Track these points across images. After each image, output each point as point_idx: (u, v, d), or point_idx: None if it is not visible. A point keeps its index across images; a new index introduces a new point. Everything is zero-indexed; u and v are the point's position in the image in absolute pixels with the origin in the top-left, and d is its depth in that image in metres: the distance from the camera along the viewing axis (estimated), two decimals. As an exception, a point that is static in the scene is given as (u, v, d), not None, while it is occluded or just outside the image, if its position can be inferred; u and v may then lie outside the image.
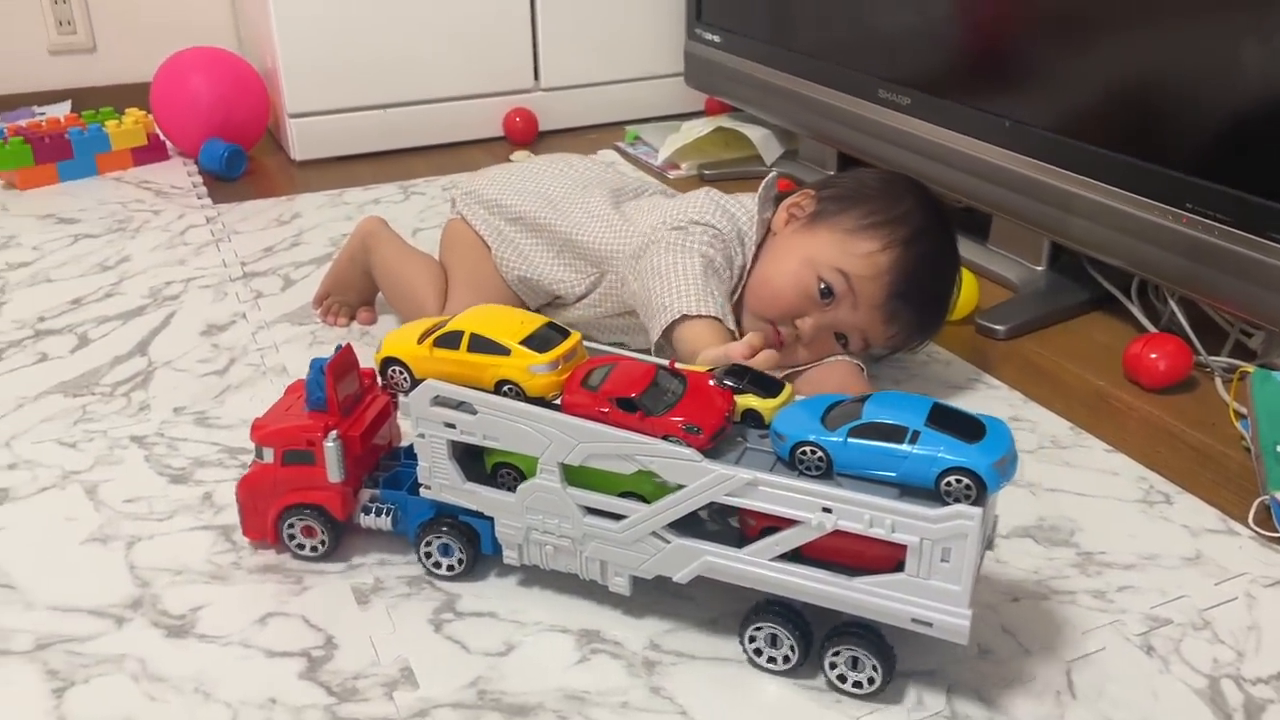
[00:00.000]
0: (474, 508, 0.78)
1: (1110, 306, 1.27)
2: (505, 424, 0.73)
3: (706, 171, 1.75)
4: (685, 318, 0.94)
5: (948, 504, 0.64)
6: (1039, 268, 1.33)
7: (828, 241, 1.00)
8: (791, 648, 0.70)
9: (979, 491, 0.63)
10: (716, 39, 1.84)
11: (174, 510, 0.89)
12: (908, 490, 0.65)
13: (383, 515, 0.81)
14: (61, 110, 1.98)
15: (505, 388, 0.74)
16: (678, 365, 0.76)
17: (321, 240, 1.49)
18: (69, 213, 1.60)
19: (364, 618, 0.77)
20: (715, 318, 0.94)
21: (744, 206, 1.08)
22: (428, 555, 0.80)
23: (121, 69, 2.11)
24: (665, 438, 0.69)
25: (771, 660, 0.71)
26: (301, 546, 0.83)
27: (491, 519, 0.78)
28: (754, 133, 1.79)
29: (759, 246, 1.06)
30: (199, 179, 1.76)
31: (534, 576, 0.80)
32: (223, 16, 2.16)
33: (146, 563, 0.83)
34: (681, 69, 1.99)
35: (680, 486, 0.70)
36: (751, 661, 0.72)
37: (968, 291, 1.22)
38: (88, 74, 2.12)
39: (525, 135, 1.94)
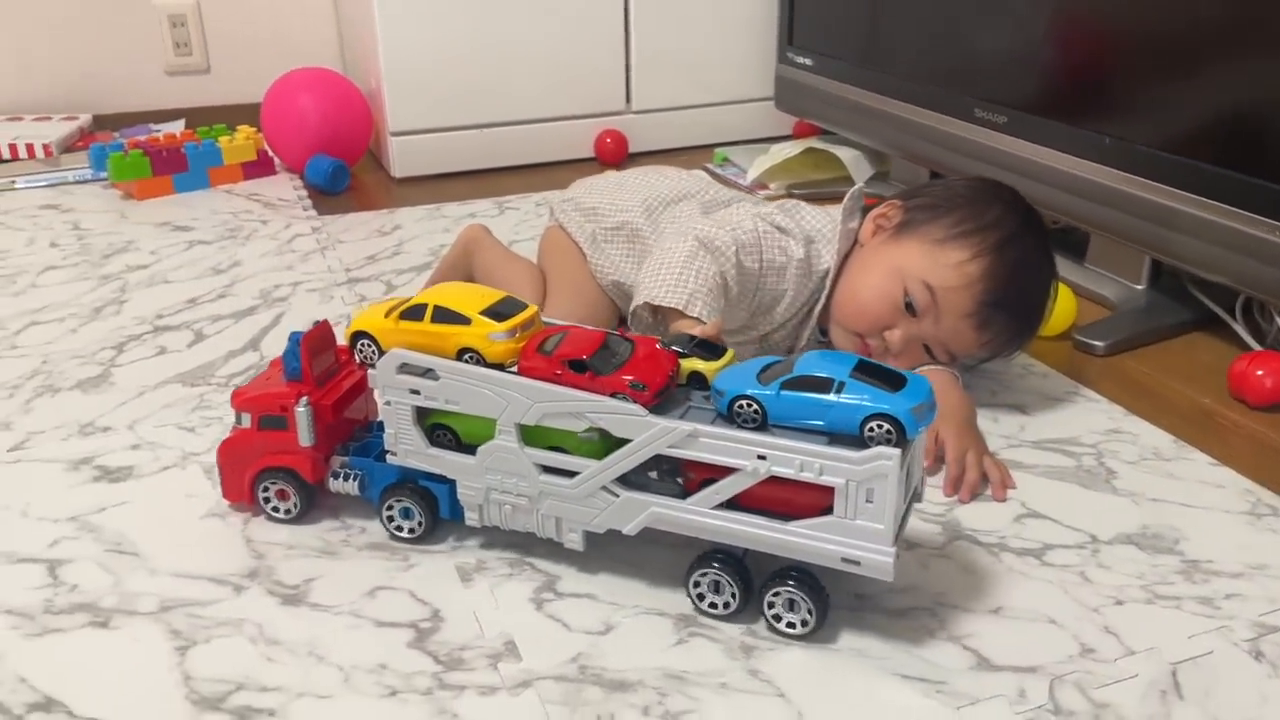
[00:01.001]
0: (438, 471, 0.82)
1: (1213, 326, 1.25)
2: (466, 388, 0.78)
3: (795, 191, 1.76)
4: (648, 305, 0.98)
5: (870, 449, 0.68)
6: (1139, 286, 1.31)
7: (916, 252, 1.00)
8: (733, 594, 0.75)
9: (899, 435, 0.68)
10: (808, 62, 1.86)
11: (286, 491, 0.93)
12: (836, 438, 0.70)
13: (350, 480, 0.86)
14: (176, 128, 2.07)
15: (466, 355, 0.79)
16: (627, 332, 0.81)
17: (421, 250, 1.54)
18: (183, 221, 1.68)
19: (468, 594, 0.80)
20: (676, 309, 0.96)
21: (826, 213, 1.09)
22: (390, 519, 0.85)
23: (233, 89, 2.21)
24: (613, 395, 0.74)
25: (713, 605, 0.76)
26: (276, 509, 0.88)
27: (449, 485, 0.82)
28: (844, 154, 1.80)
29: (845, 257, 1.06)
30: (304, 193, 1.83)
31: (631, 566, 0.81)
32: (329, 40, 2.25)
33: (262, 538, 0.87)
34: (770, 93, 2.01)
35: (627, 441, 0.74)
36: (696, 608, 0.77)
37: (1065, 307, 1.22)
38: (201, 94, 2.22)
39: (615, 156, 1.98)
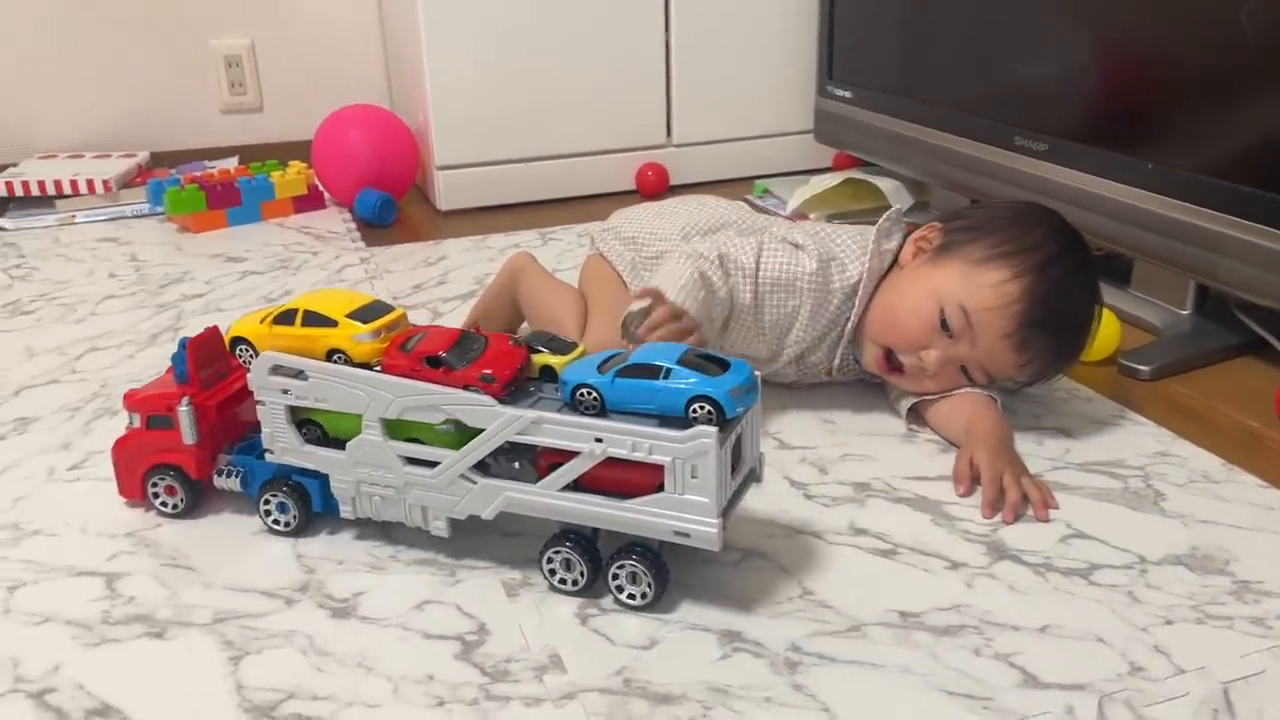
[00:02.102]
0: (312, 467, 0.88)
1: (1260, 351, 1.23)
2: (333, 386, 0.84)
3: (835, 221, 1.77)
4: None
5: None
6: (1184, 311, 1.30)
7: (954, 273, 1.00)
8: (581, 572, 0.81)
9: (719, 415, 0.74)
10: (847, 95, 1.88)
11: (335, 508, 0.95)
12: (667, 422, 0.75)
13: (233, 476, 0.92)
14: (230, 164, 2.13)
15: (335, 356, 0.85)
16: (480, 329, 0.88)
17: (466, 279, 1.56)
18: (237, 253, 1.72)
19: (513, 609, 0.81)
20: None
21: (859, 232, 1.08)
22: (267, 513, 0.91)
23: (285, 127, 2.27)
24: (466, 387, 0.80)
25: (563, 582, 0.81)
26: (165, 504, 0.93)
27: (323, 479, 0.88)
28: (884, 184, 1.81)
29: (882, 278, 1.06)
30: (353, 225, 1.87)
31: (675, 583, 0.82)
32: (378, 78, 2.31)
33: (311, 553, 0.88)
34: (809, 127, 2.03)
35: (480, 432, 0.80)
36: (549, 585, 0.82)
37: (1109, 332, 1.21)
38: (254, 132, 2.28)
39: (657, 188, 2.01)
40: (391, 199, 1.87)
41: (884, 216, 1.09)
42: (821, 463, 1.01)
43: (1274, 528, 0.89)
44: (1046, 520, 0.90)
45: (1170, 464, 0.99)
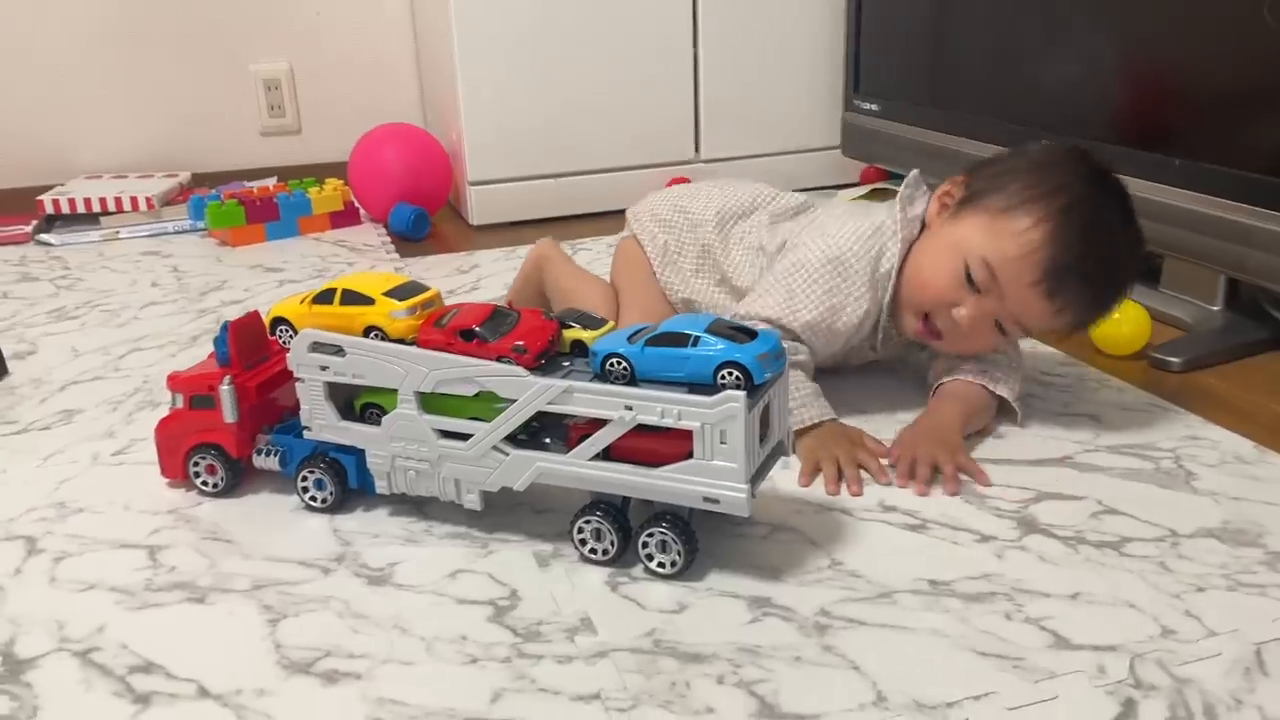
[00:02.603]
0: (349, 443, 0.90)
1: (1293, 344, 1.23)
2: (369, 361, 0.86)
3: (864, 230, 1.79)
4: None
5: None
6: (1214, 307, 1.30)
7: (976, 225, 0.98)
8: (612, 541, 0.81)
9: (748, 380, 0.75)
10: (874, 107, 1.90)
11: (371, 489, 0.97)
12: (696, 389, 0.76)
13: (271, 456, 0.94)
14: (268, 184, 2.18)
15: (372, 332, 0.87)
16: (514, 304, 0.90)
17: (498, 285, 1.59)
18: (274, 264, 1.76)
19: (545, 577, 0.82)
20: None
21: (889, 208, 1.06)
22: (304, 490, 0.92)
23: (321, 148, 2.33)
24: (499, 359, 0.82)
25: (593, 552, 0.82)
26: (205, 483, 0.96)
27: (359, 455, 0.89)
28: (912, 194, 1.82)
29: (913, 244, 1.04)
30: (388, 239, 1.91)
31: (703, 553, 0.82)
32: (412, 100, 2.36)
33: (347, 528, 0.90)
34: (836, 142, 2.05)
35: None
36: (580, 555, 0.83)
37: (1139, 325, 1.21)
38: (292, 153, 2.34)
39: (686, 203, 2.03)
40: (425, 213, 1.91)
41: (904, 183, 1.08)
42: (850, 446, 1.01)
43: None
44: (955, 494, 0.91)
45: (1201, 447, 0.99)
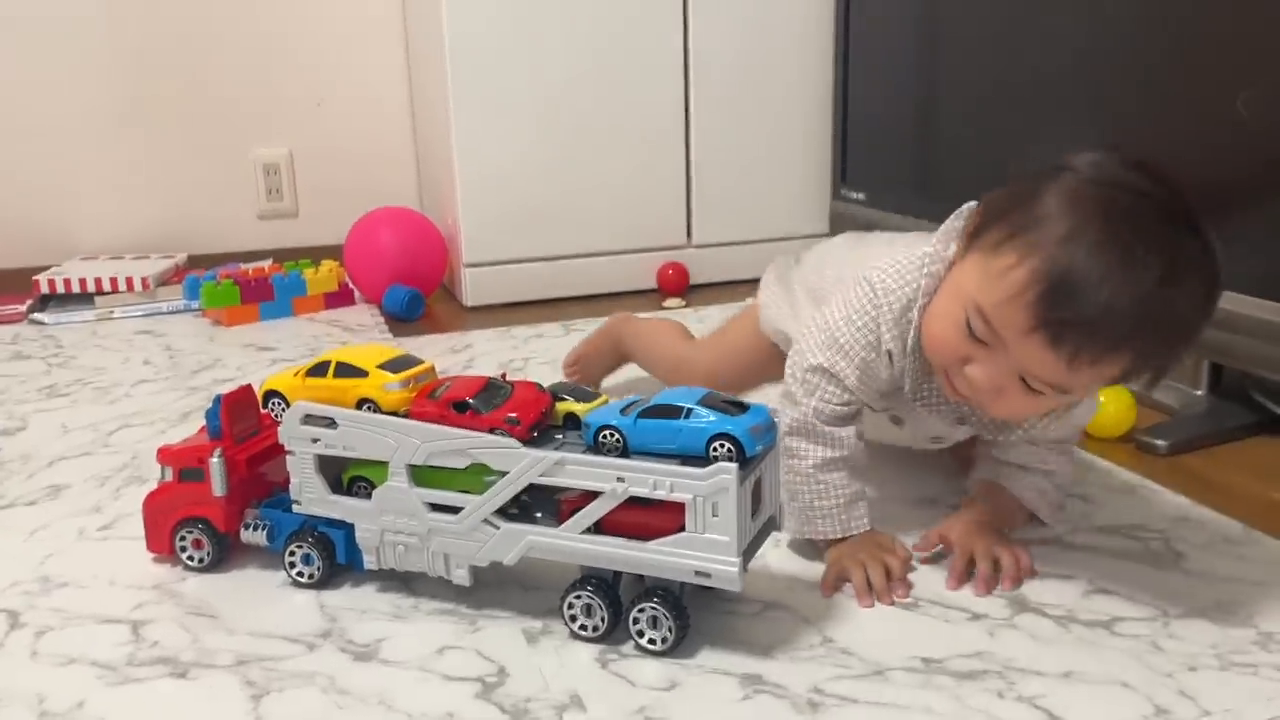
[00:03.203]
0: (339, 517, 0.89)
1: (1278, 429, 1.24)
2: (361, 433, 0.86)
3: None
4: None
5: None
6: (1198, 392, 1.32)
7: (973, 266, 0.83)
8: (603, 618, 0.81)
9: (740, 453, 0.75)
10: (861, 197, 1.94)
11: (359, 564, 0.96)
12: (688, 461, 0.77)
13: (259, 530, 0.93)
14: (264, 265, 2.20)
15: (365, 405, 0.88)
16: (508, 376, 0.90)
17: (491, 364, 1.60)
18: (268, 343, 1.77)
19: (533, 654, 0.81)
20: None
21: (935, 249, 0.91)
22: (291, 565, 0.91)
23: (318, 231, 2.36)
24: (492, 430, 0.82)
25: (583, 628, 0.81)
26: (192, 558, 0.95)
27: (348, 530, 0.89)
28: (899, 280, 1.85)
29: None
30: (381, 320, 1.92)
31: (694, 631, 0.82)
32: (409, 184, 2.40)
33: (334, 603, 0.89)
34: (825, 229, 2.09)
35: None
36: (570, 632, 0.82)
37: (1124, 409, 1.22)
38: (289, 236, 2.37)
39: (677, 287, 2.06)
40: (420, 294, 1.93)
41: (953, 215, 0.92)
42: (841, 525, 1.01)
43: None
44: (1016, 588, 0.88)
45: (1190, 528, 0.99)
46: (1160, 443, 1.20)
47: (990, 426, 0.96)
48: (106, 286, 2.03)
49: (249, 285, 1.92)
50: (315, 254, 2.26)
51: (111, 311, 1.99)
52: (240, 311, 1.91)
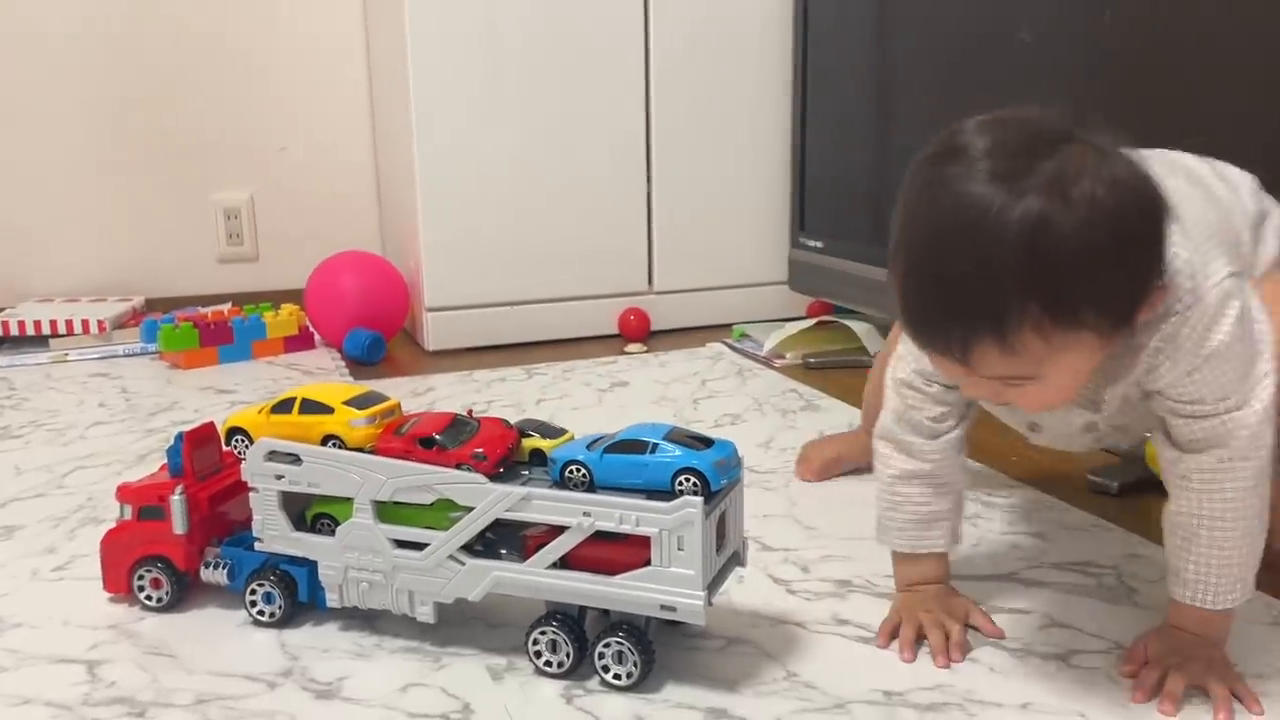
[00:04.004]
0: (302, 554, 0.89)
1: (1223, 469, 1.27)
2: (326, 469, 0.86)
3: (811, 360, 1.84)
4: None
5: None
6: (1146, 434, 1.35)
7: None
8: (568, 653, 0.81)
9: (705, 487, 0.77)
10: (819, 245, 1.98)
11: (321, 603, 0.95)
12: (654, 496, 0.78)
13: (220, 569, 0.92)
14: (223, 309, 2.19)
15: (330, 441, 0.88)
16: (474, 413, 0.91)
17: (453, 407, 1.59)
18: (226, 385, 1.76)
19: (499, 690, 0.81)
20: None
21: None
22: (253, 604, 0.90)
23: (278, 276, 2.35)
24: (458, 466, 0.82)
25: (548, 664, 0.81)
26: (150, 597, 0.93)
27: (310, 568, 0.88)
28: (858, 327, 1.88)
29: None
30: (342, 363, 1.92)
31: (659, 666, 0.82)
32: (370, 230, 2.41)
33: (295, 642, 0.88)
34: (784, 277, 2.13)
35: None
36: (535, 668, 0.82)
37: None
38: (249, 280, 2.36)
39: (639, 333, 2.08)
40: (381, 338, 1.93)
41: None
42: (803, 562, 1.03)
43: (1247, 617, 0.90)
44: None
45: (1141, 564, 1.02)
46: (1112, 484, 1.23)
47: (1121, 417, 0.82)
48: (62, 329, 2.01)
49: (208, 329, 1.91)
50: (275, 298, 2.25)
51: (66, 354, 1.97)
52: (198, 355, 1.89)
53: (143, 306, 2.21)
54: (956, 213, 0.68)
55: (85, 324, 2.01)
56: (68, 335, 2.01)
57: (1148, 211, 0.69)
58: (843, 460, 1.26)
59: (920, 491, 0.88)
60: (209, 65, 2.28)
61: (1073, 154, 0.67)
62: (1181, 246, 0.72)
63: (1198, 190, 0.83)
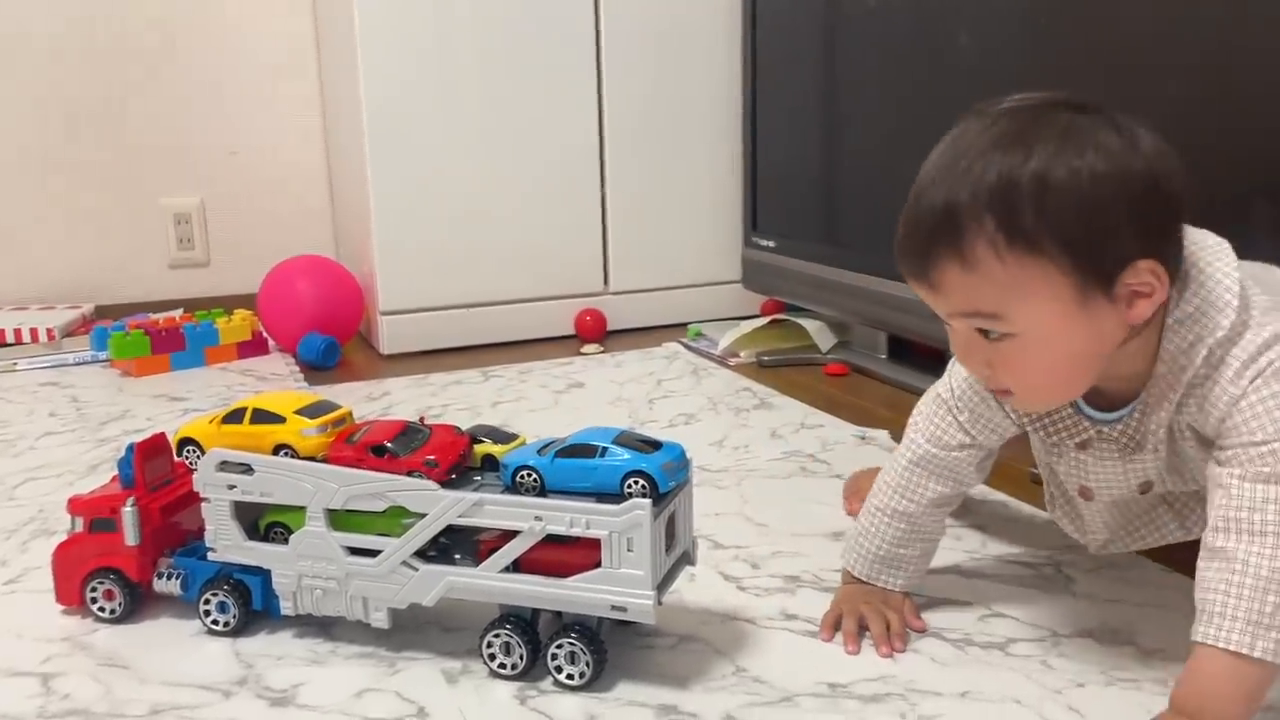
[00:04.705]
0: (255, 563, 0.90)
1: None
2: (278, 478, 0.87)
3: (765, 358, 1.86)
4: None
5: None
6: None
7: None
8: (521, 655, 0.82)
9: (653, 489, 0.78)
10: (771, 244, 2.01)
11: (276, 611, 0.96)
12: (604, 499, 0.79)
13: (173, 579, 0.93)
14: (174, 315, 2.18)
15: (282, 451, 0.88)
16: (426, 420, 0.91)
17: (408, 411, 1.60)
18: (179, 393, 1.75)
19: (453, 693, 0.82)
20: None
21: None
22: (206, 613, 0.91)
23: (229, 281, 2.34)
24: (410, 473, 0.83)
25: (502, 666, 0.83)
26: (103, 610, 0.94)
27: (264, 577, 0.89)
28: (809, 324, 1.91)
29: None
30: (296, 368, 1.91)
31: (611, 666, 0.84)
32: (323, 234, 2.40)
33: (250, 650, 0.89)
34: (738, 276, 2.15)
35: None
36: (489, 670, 0.83)
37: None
38: (200, 286, 2.35)
39: (595, 333, 2.09)
40: (335, 342, 1.93)
41: None
42: (754, 559, 1.05)
43: (1175, 605, 0.94)
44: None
45: (1078, 554, 1.05)
46: (1052, 475, 1.26)
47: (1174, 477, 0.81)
48: (10, 338, 1.99)
49: (159, 336, 1.89)
50: (227, 303, 2.24)
51: (15, 363, 1.95)
52: (150, 362, 1.88)
53: (92, 314, 2.18)
54: (954, 146, 0.72)
55: (34, 332, 1.99)
56: (16, 344, 1.99)
57: (1149, 183, 0.69)
58: None
59: (897, 532, 0.90)
60: (158, 69, 2.26)
61: (1090, 119, 0.70)
62: (1254, 290, 0.72)
63: None
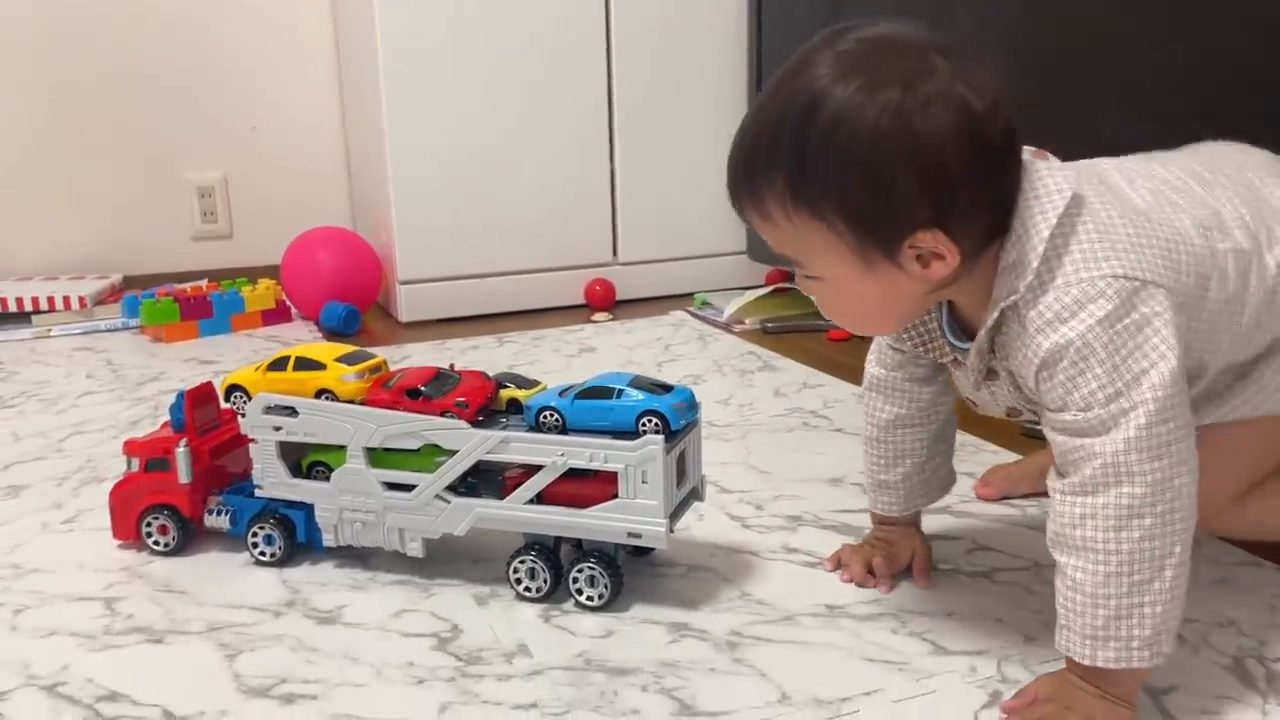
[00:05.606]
0: (299, 499, 0.97)
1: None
2: (321, 420, 0.95)
3: (769, 325, 1.93)
4: None
5: None
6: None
7: None
8: (545, 579, 0.90)
9: (665, 427, 0.86)
10: (776, 215, 2.07)
11: (316, 546, 1.04)
12: (620, 436, 0.87)
13: (222, 515, 1.01)
14: (200, 284, 2.25)
15: (323, 395, 0.96)
16: (455, 367, 0.99)
17: (429, 374, 1.68)
18: (209, 357, 1.83)
19: (483, 613, 0.90)
20: None
21: None
22: (254, 545, 0.99)
23: (252, 253, 2.41)
24: (443, 414, 0.91)
25: (527, 590, 0.91)
26: (158, 543, 1.02)
27: (307, 512, 0.97)
28: (812, 292, 1.98)
29: None
30: (319, 335, 1.99)
31: (628, 590, 0.91)
32: (343, 205, 2.47)
33: (295, 578, 0.97)
34: (743, 247, 2.22)
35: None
36: (516, 594, 0.91)
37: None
38: (223, 257, 2.42)
39: (604, 302, 2.16)
40: (356, 310, 2.00)
41: None
42: (758, 501, 1.12)
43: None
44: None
45: (1063, 497, 1.12)
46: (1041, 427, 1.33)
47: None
48: (44, 305, 2.06)
49: (188, 303, 1.97)
50: (249, 274, 2.31)
51: (49, 330, 2.02)
52: (180, 328, 1.96)
53: (121, 284, 2.26)
54: (782, 83, 0.71)
55: (67, 300, 2.07)
56: (50, 311, 2.06)
57: (940, 149, 0.66)
58: (1020, 484, 1.13)
59: (874, 457, 0.93)
60: (181, 45, 2.33)
61: (922, 67, 0.67)
62: (1084, 230, 0.69)
63: (1120, 199, 0.74)
